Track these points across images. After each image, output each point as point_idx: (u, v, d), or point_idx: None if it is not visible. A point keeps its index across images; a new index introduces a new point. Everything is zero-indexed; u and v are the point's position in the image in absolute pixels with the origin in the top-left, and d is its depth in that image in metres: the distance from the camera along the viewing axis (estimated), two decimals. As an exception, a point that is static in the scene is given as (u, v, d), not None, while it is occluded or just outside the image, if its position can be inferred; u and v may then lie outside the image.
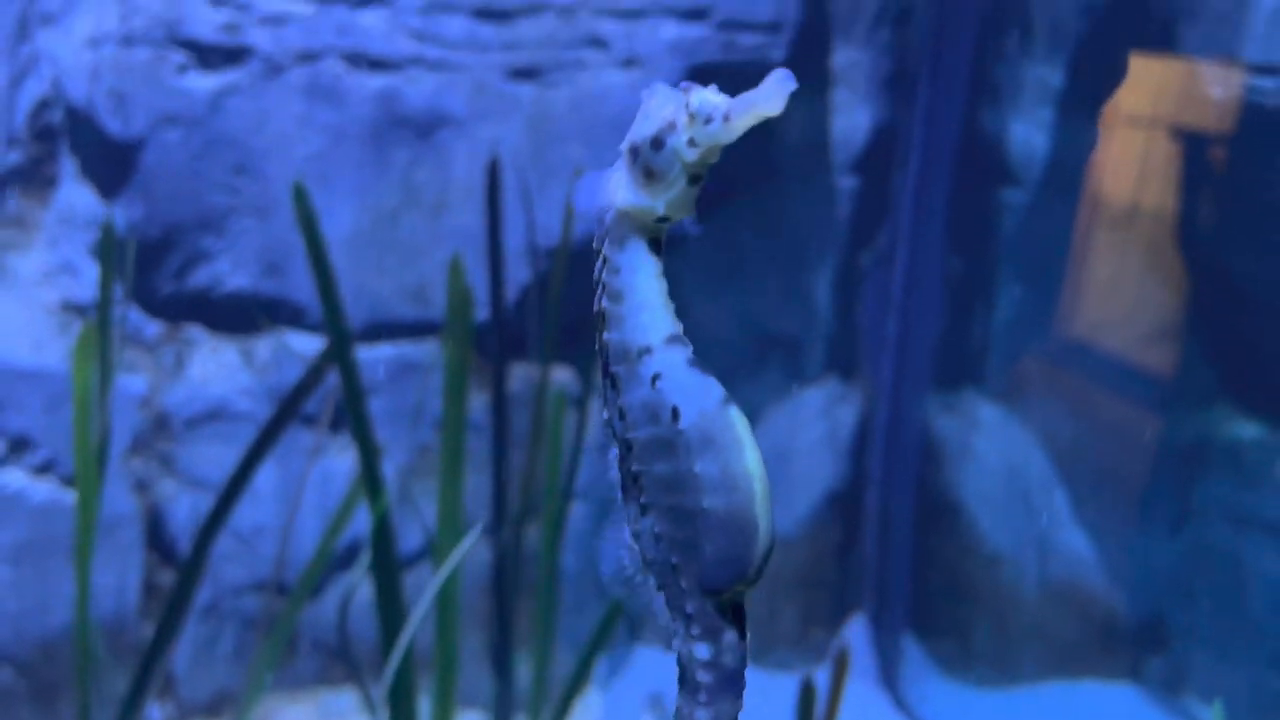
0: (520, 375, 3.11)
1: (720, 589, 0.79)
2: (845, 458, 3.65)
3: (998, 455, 3.58)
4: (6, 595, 2.84)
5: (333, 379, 2.98)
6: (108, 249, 2.06)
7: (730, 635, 0.81)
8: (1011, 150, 3.42)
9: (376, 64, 2.93)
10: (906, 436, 3.65)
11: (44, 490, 2.85)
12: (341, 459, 3.09)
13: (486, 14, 2.94)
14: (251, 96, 2.89)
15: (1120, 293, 3.40)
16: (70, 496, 2.84)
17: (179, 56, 2.88)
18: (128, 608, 2.93)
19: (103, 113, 2.93)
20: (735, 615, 0.81)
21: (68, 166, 3.09)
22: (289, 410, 2.01)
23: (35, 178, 3.12)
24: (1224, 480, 3.27)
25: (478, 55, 2.95)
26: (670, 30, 2.94)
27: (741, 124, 0.74)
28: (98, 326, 2.01)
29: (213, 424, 2.99)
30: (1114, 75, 3.23)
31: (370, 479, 1.95)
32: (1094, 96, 3.28)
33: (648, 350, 0.79)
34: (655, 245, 0.80)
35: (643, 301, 0.79)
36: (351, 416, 1.94)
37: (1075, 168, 3.38)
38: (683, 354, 0.79)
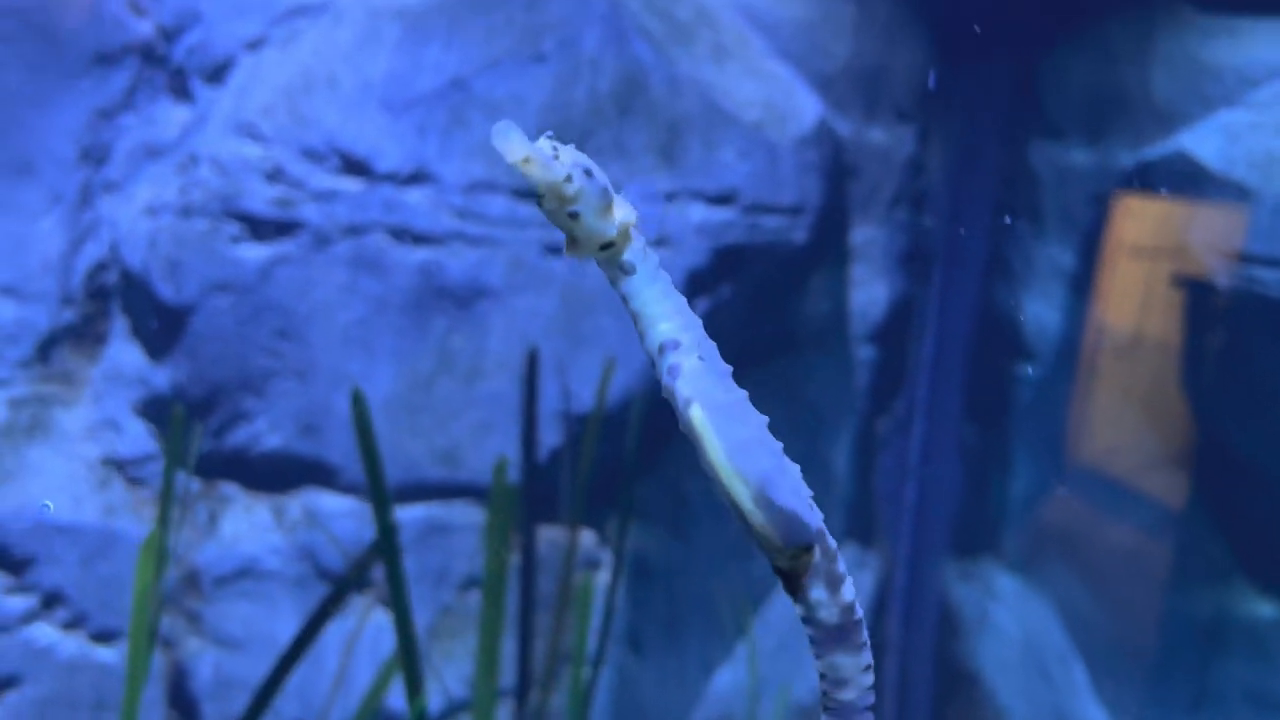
0: (546, 536, 3.16)
1: (769, 559, 0.89)
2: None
3: (1016, 625, 3.59)
4: (27, 753, 2.84)
5: (363, 540, 3.02)
6: (175, 440, 2.15)
7: (818, 593, 0.89)
8: (1025, 326, 3.54)
9: (420, 238, 3.08)
10: (925, 604, 3.66)
11: (72, 646, 2.88)
12: (364, 619, 3.12)
13: (525, 194, 3.11)
14: (300, 266, 3.04)
15: (1133, 467, 3.46)
16: (98, 653, 2.86)
17: (233, 228, 3.03)
18: (146, 767, 2.92)
19: (157, 278, 3.07)
20: (801, 576, 0.89)
21: (118, 326, 3.22)
22: (350, 583, 2.07)
23: (86, 335, 3.25)
24: (1241, 659, 3.27)
25: (516, 232, 3.10)
26: (699, 213, 3.09)
27: (521, 166, 0.85)
28: (159, 521, 2.08)
29: (241, 582, 3.04)
30: (1121, 260, 3.37)
31: (410, 676, 1.99)
32: (1103, 278, 3.41)
33: (654, 363, 0.91)
34: (629, 266, 0.91)
35: (644, 318, 0.90)
36: (397, 619, 1.99)
37: (1088, 344, 3.50)
38: (665, 361, 0.89)
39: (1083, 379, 3.52)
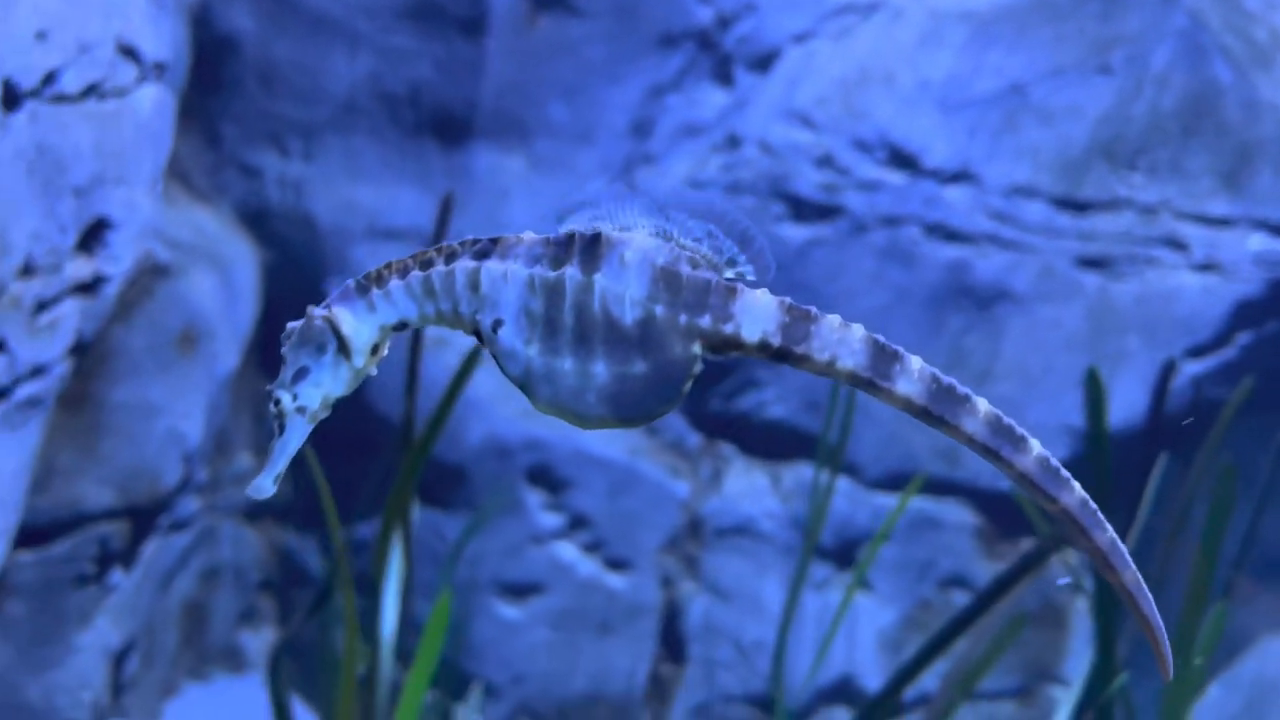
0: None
1: None
2: (1349, 709, 3.35)
3: None
4: (541, 655, 3.14)
5: (853, 522, 3.11)
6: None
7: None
8: None
9: (952, 235, 3.13)
10: None
11: (589, 567, 3.16)
12: (840, 593, 3.22)
13: (1066, 203, 3.09)
14: (834, 250, 3.17)
15: None
16: (610, 578, 3.12)
17: (779, 207, 3.21)
18: (636, 691, 3.16)
19: (699, 245, 3.31)
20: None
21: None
22: (1023, 571, 2.13)
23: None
24: None
25: (1051, 240, 3.09)
26: (1260, 242, 2.96)
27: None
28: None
29: (737, 539, 3.21)
30: None
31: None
32: None
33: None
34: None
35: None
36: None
37: None
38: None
39: None
